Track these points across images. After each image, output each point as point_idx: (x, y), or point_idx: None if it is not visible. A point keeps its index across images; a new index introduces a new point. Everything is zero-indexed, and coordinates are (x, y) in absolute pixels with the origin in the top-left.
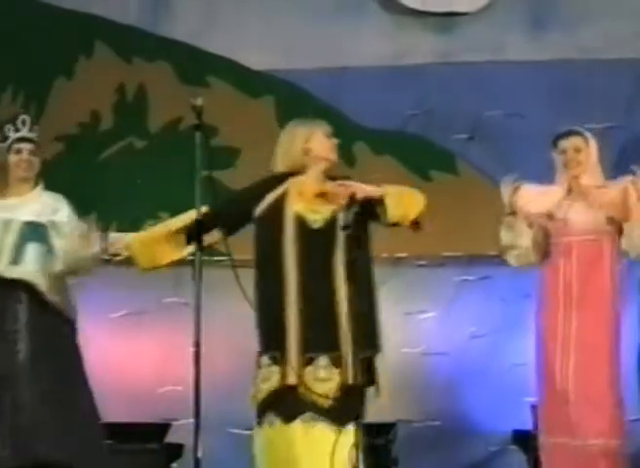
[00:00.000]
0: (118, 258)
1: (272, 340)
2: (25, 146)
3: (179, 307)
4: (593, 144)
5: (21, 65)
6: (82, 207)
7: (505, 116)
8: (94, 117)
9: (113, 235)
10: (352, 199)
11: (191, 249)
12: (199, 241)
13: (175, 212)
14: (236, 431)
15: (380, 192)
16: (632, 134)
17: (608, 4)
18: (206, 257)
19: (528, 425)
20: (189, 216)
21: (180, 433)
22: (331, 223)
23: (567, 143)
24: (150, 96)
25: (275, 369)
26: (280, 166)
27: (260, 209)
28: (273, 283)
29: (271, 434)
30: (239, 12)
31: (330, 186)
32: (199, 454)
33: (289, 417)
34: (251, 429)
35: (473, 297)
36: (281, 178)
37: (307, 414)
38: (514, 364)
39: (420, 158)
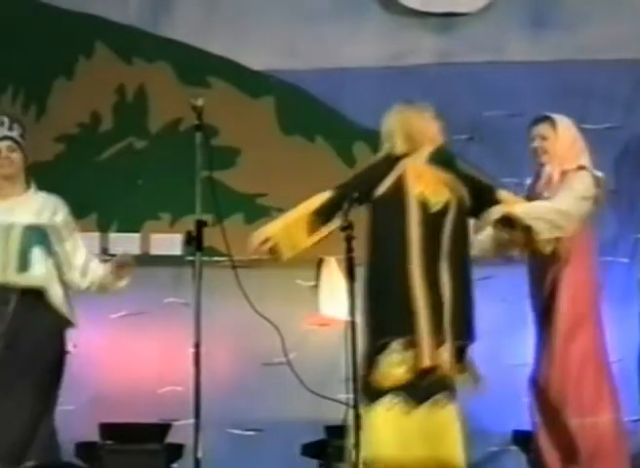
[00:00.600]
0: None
1: (403, 325)
2: (3, 144)
3: (179, 308)
4: (564, 130)
5: (21, 66)
6: (82, 207)
7: (505, 116)
8: (94, 117)
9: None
10: None
11: (332, 226)
12: (199, 242)
13: (175, 212)
14: (236, 431)
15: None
16: (632, 134)
17: (608, 4)
18: (206, 258)
19: (528, 425)
20: (320, 198)
21: (181, 433)
22: (446, 207)
23: (534, 131)
24: (150, 96)
25: (409, 353)
26: (401, 146)
27: (380, 190)
28: (397, 265)
29: (394, 415)
30: (239, 12)
31: None
32: (199, 455)
33: (421, 400)
34: (251, 429)
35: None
36: (393, 161)
37: (439, 396)
38: (515, 364)
39: None
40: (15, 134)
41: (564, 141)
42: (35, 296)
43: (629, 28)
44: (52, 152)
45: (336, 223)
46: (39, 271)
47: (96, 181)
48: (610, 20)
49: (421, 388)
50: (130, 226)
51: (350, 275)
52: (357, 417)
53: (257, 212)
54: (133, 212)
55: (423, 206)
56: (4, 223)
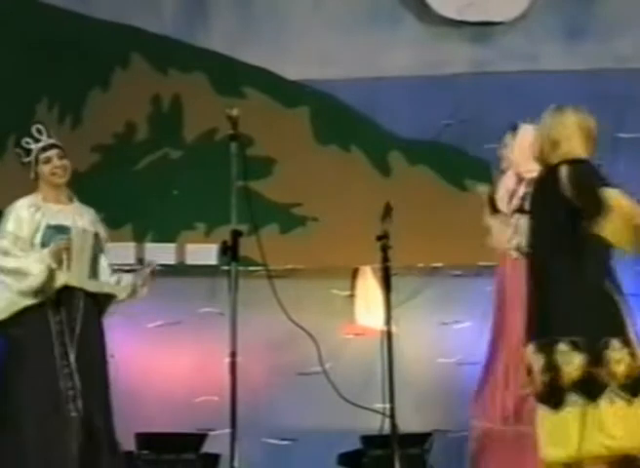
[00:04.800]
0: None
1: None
2: (53, 152)
3: (214, 317)
4: (521, 134)
5: (57, 77)
6: (118, 217)
7: None
8: (129, 128)
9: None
10: None
11: None
12: (234, 252)
13: (211, 222)
14: (272, 441)
15: None
16: None
17: None
18: (241, 268)
19: None
20: None
21: (217, 443)
22: None
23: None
24: (186, 106)
25: (576, 354)
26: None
27: None
28: None
29: (574, 413)
30: (274, 22)
31: None
32: (235, 464)
33: (593, 396)
34: (286, 439)
35: None
36: None
37: (608, 392)
38: None
39: (455, 167)
40: (56, 140)
41: (522, 145)
42: (93, 304)
43: None
44: (87, 162)
45: None
46: (105, 279)
47: (131, 191)
48: None
49: (592, 386)
50: (165, 236)
51: (386, 285)
52: (394, 427)
53: (292, 221)
54: (168, 222)
55: None
56: (77, 227)
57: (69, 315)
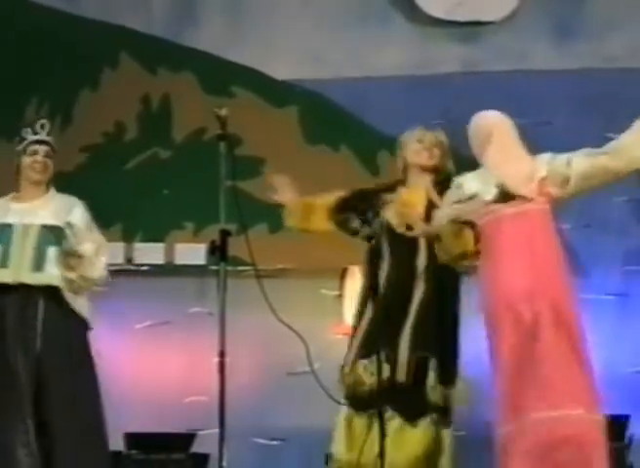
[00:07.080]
0: (144, 269)
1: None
2: (41, 148)
3: (203, 317)
4: None
5: (46, 77)
6: (108, 217)
7: (531, 125)
8: (119, 127)
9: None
10: None
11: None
12: (223, 252)
13: (199, 221)
14: (261, 441)
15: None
16: None
17: (634, 13)
18: (230, 268)
19: None
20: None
21: (206, 443)
22: None
23: None
24: (175, 105)
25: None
26: None
27: None
28: None
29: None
30: (263, 22)
31: None
32: (224, 464)
33: None
34: (275, 439)
35: None
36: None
37: None
38: None
39: None
40: (51, 140)
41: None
42: (57, 301)
43: None
44: (77, 162)
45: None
46: (53, 271)
47: (120, 191)
48: (636, 29)
49: None
50: (154, 236)
51: (375, 284)
52: (382, 426)
53: (281, 221)
54: (157, 221)
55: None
56: (23, 224)
57: (24, 321)
